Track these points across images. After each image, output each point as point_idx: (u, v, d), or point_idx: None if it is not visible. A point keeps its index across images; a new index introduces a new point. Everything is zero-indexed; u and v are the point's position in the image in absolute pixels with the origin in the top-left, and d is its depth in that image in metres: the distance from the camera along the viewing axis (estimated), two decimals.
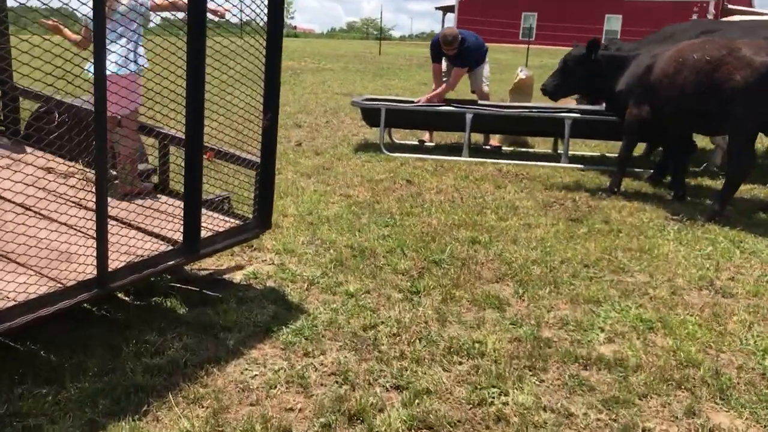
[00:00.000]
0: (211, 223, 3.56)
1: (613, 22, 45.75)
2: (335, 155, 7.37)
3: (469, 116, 7.38)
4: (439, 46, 8.02)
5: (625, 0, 44.61)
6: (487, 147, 8.35)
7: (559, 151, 8.07)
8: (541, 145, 8.66)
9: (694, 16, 39.13)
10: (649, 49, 6.28)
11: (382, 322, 3.44)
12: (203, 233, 3.38)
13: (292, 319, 3.44)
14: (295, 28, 68.66)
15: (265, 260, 4.28)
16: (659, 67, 5.80)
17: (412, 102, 8.26)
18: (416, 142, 8.45)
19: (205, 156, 3.34)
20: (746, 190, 6.55)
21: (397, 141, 8.51)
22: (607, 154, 8.19)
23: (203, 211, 3.63)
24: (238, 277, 4.02)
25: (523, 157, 7.71)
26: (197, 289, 3.77)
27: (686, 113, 5.63)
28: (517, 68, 9.11)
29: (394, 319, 3.47)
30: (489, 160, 7.35)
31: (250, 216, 3.82)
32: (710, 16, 38.12)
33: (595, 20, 45.46)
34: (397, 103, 8.09)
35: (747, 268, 4.34)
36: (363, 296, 3.77)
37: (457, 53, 7.95)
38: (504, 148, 8.34)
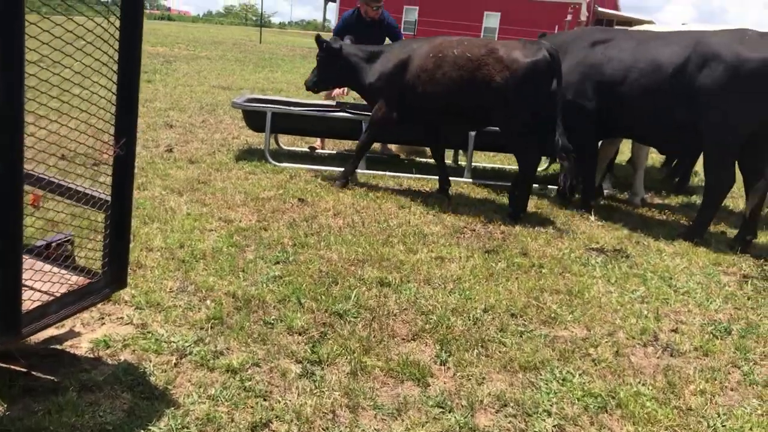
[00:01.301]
0: (42, 280, 2.61)
1: (492, 20, 46.80)
2: (213, 164, 6.40)
3: (366, 124, 6.64)
4: (354, 19, 7.26)
5: None
6: (384, 156, 7.67)
7: (460, 163, 7.54)
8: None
9: (569, 17, 40.59)
10: (400, 45, 6.19)
11: (277, 416, 2.63)
12: (28, 302, 2.43)
13: (155, 417, 2.56)
14: (169, 9, 65.07)
15: (122, 318, 3.34)
16: (416, 63, 5.74)
17: (301, 103, 7.42)
18: (306, 149, 7.61)
19: (28, 200, 2.41)
20: (656, 213, 6.26)
21: (285, 147, 7.64)
22: (508, 168, 7.75)
23: (30, 263, 2.69)
24: (83, 345, 3.07)
25: (423, 169, 7.07)
26: (23, 370, 2.80)
27: (444, 110, 5.70)
28: None
29: (292, 410, 2.67)
30: (388, 173, 6.65)
31: (99, 270, 2.88)
32: (583, 18, 39.62)
33: (475, 17, 46.42)
34: (285, 105, 7.19)
35: (686, 315, 3.89)
36: (250, 372, 2.94)
37: (381, 25, 7.30)
38: (402, 156, 7.69)
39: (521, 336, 3.49)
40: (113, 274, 2.85)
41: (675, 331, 3.67)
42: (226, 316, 3.41)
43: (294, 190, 5.79)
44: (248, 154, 6.97)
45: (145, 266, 3.94)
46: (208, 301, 3.56)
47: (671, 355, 3.41)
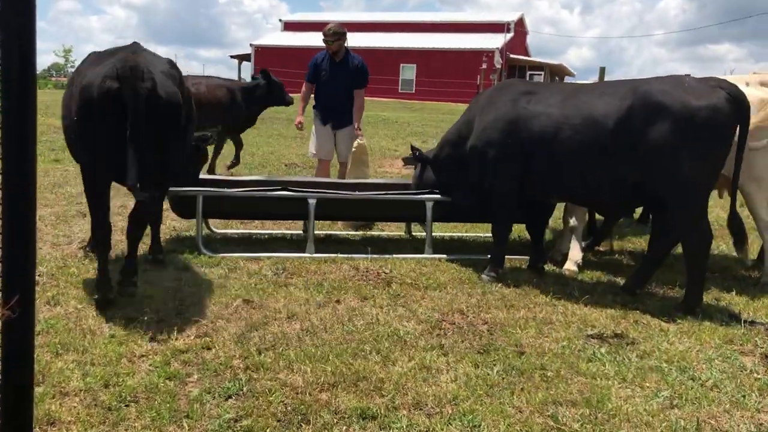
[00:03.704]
0: None
1: (408, 72, 47.41)
2: (138, 262, 5.49)
3: (312, 202, 5.92)
4: (319, 62, 7.34)
5: (417, 50, 46.43)
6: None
7: (412, 234, 6.91)
8: (390, 226, 7.41)
9: (484, 65, 41.44)
10: None
11: None
12: None
13: None
14: None
15: None
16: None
17: (235, 181, 6.66)
18: (242, 231, 6.81)
19: None
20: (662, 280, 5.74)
21: (218, 231, 6.80)
22: (464, 236, 7.16)
23: None
24: None
25: (376, 245, 6.36)
26: None
27: None
28: None
29: None
30: (340, 255, 5.90)
31: None
32: (497, 65, 40.46)
33: (391, 70, 46.83)
34: (217, 184, 6.38)
35: (728, 419, 3.28)
36: None
37: (346, 61, 7.30)
38: (351, 232, 6.99)
39: None
40: None
41: None
42: None
43: (236, 287, 4.96)
44: (178, 245, 6.10)
45: (59, 422, 3.04)
46: None
47: None
